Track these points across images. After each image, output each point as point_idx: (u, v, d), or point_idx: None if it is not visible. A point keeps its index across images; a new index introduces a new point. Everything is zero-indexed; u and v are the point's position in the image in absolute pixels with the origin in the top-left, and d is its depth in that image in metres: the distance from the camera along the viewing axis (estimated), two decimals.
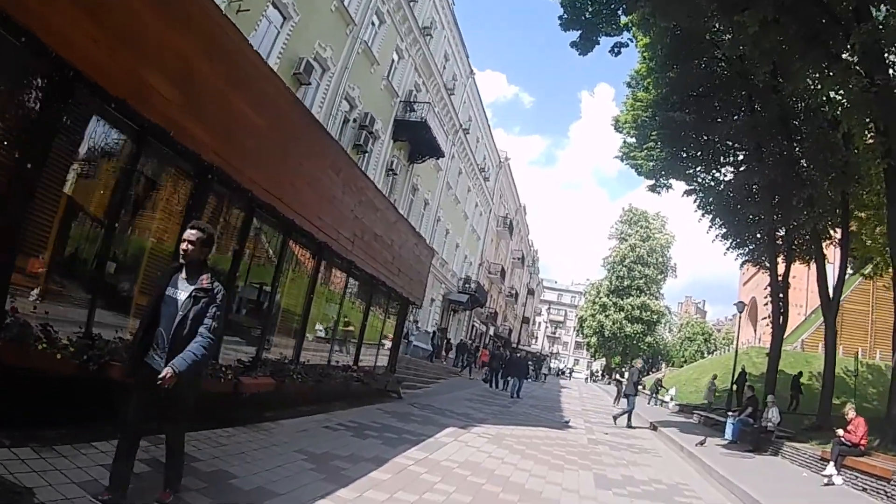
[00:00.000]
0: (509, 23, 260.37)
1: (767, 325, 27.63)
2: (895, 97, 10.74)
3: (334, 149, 9.13)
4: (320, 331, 10.24)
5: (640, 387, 23.65)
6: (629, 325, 58.83)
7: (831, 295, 15.49)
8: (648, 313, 59.28)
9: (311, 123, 8.20)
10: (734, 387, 21.54)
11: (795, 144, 16.09)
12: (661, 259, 61.53)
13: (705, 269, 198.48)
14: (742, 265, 26.41)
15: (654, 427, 16.38)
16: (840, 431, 9.87)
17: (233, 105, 6.17)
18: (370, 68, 18.94)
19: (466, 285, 35.42)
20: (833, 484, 9.18)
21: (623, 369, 45.88)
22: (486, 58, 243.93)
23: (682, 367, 59.17)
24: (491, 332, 48.10)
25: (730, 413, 15.53)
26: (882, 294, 34.48)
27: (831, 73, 11.33)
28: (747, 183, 17.14)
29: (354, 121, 18.37)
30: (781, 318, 18.13)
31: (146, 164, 5.59)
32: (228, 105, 6.12)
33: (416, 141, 22.67)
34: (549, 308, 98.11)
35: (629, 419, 15.82)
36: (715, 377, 24.96)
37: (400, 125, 21.53)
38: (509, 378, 24.06)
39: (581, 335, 68.99)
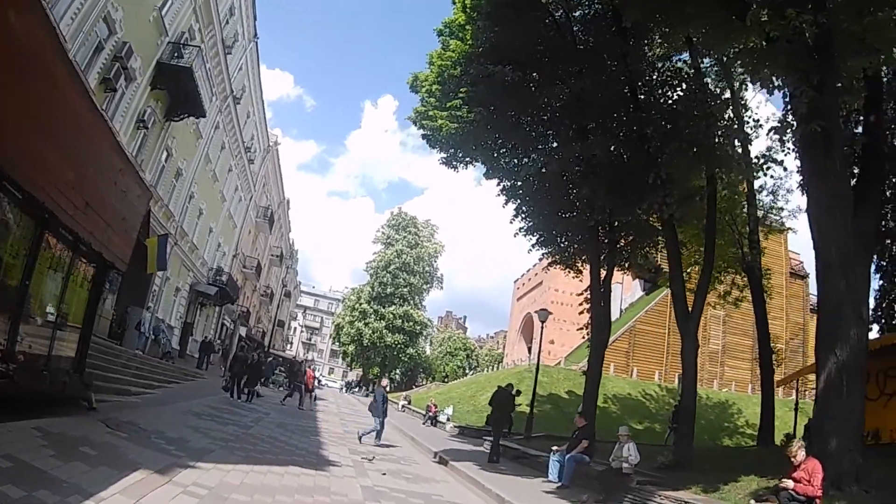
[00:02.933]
0: (304, 24, 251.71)
1: (550, 342, 27.37)
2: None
3: None
4: None
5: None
6: (390, 334, 57.83)
7: (692, 307, 13.00)
8: (411, 323, 59.08)
9: None
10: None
11: (646, 120, 13.09)
12: (427, 268, 62.04)
13: (465, 286, 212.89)
14: (547, 267, 24.06)
15: (442, 461, 12.72)
16: (789, 482, 6.99)
17: None
18: None
19: (218, 277, 30.71)
20: None
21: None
22: (278, 56, 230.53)
23: (444, 381, 60.27)
24: (242, 332, 42.98)
25: (553, 448, 11.47)
26: None
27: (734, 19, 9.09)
28: (579, 157, 13.83)
29: (110, 49, 14.19)
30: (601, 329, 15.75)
31: None
32: None
33: (177, 93, 18.68)
34: (305, 313, 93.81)
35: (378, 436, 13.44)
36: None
37: (162, 70, 17.51)
38: (256, 388, 20.76)
39: (338, 343, 66.41)
